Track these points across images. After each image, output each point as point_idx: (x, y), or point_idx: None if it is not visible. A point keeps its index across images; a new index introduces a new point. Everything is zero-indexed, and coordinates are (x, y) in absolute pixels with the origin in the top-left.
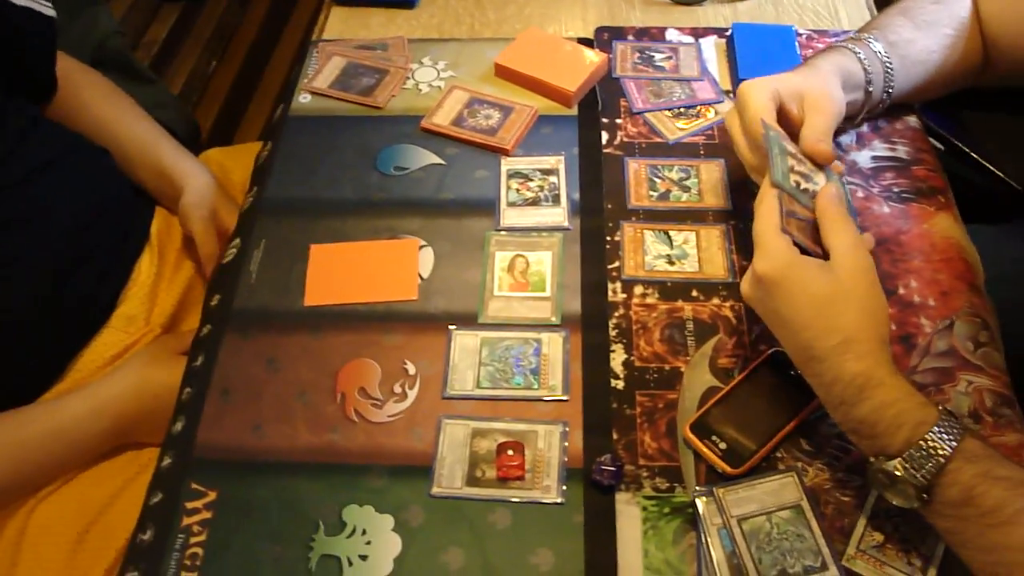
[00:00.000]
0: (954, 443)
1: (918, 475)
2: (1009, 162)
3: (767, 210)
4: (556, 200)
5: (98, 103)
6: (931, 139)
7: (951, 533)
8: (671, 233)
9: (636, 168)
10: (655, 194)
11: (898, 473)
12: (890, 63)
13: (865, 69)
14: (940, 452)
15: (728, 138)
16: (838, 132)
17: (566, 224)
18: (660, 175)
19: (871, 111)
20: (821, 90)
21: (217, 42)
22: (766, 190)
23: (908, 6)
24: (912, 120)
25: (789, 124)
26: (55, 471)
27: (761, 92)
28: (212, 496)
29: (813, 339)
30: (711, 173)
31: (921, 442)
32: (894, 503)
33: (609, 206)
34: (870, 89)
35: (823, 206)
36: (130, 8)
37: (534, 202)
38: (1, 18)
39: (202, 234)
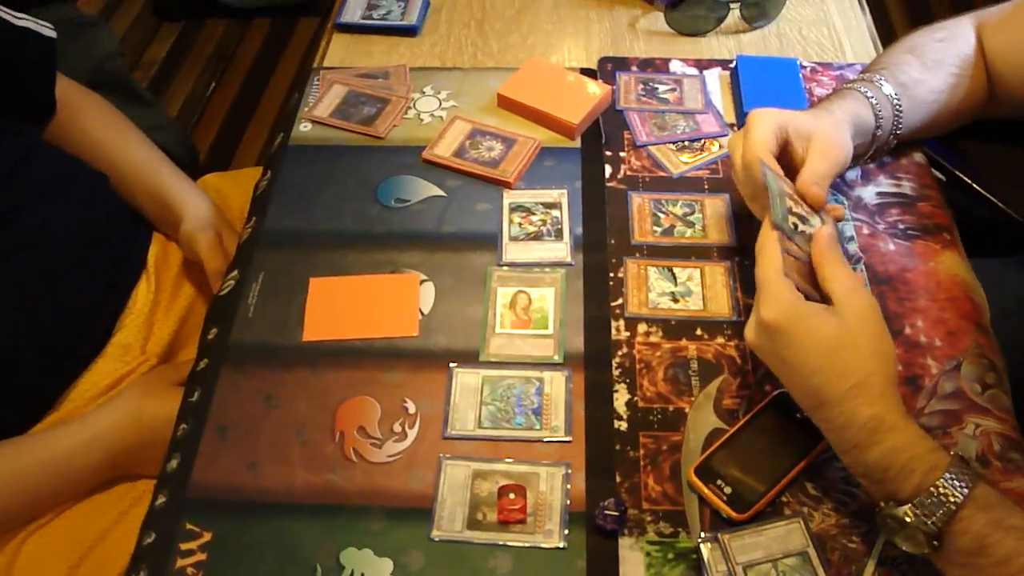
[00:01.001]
0: (965, 490)
1: (928, 522)
2: (1012, 193)
3: (770, 255)
4: (559, 235)
5: (97, 126)
6: (932, 169)
7: None
8: (675, 270)
9: (640, 203)
10: (659, 229)
11: (908, 520)
12: (900, 106)
13: (876, 114)
14: (951, 499)
15: (732, 170)
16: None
17: (569, 259)
18: (664, 210)
19: (878, 152)
20: (829, 135)
21: (216, 63)
22: (767, 233)
23: (915, 44)
24: (917, 155)
25: (792, 162)
26: (47, 504)
27: (767, 123)
28: (207, 537)
29: (823, 384)
30: (715, 208)
31: (932, 488)
32: (904, 548)
33: (612, 241)
34: (878, 132)
35: (819, 249)
36: (130, 27)
37: (536, 236)
38: (0, 39)
39: (209, 251)
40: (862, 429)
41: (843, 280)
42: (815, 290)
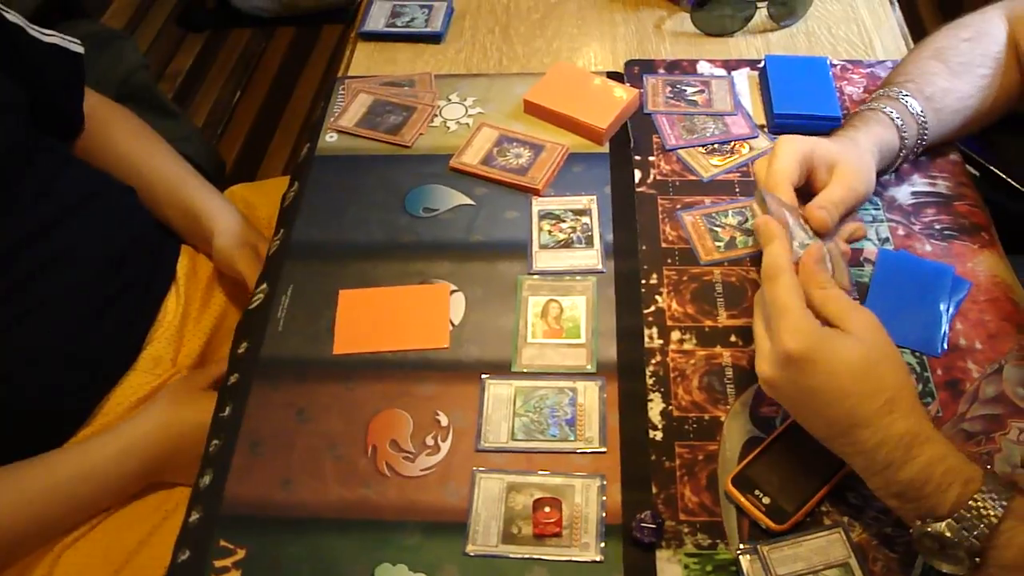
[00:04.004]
0: (1004, 502)
1: (971, 536)
2: None
3: (787, 281)
4: (589, 242)
5: (125, 139)
6: (967, 165)
7: None
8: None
9: (693, 221)
10: (721, 244)
11: (949, 535)
12: (925, 122)
13: (901, 136)
14: (992, 512)
15: (754, 190)
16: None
17: (600, 267)
18: (718, 223)
19: (903, 162)
20: (852, 165)
21: (241, 73)
22: (778, 257)
23: (941, 47)
24: (952, 154)
25: (814, 189)
26: (84, 513)
27: (792, 152)
28: (241, 554)
29: (856, 405)
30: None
31: (971, 501)
32: (943, 570)
33: (643, 247)
34: (903, 152)
35: (807, 272)
36: (155, 39)
37: (567, 244)
38: (29, 56)
39: (250, 268)
40: (898, 445)
41: (838, 300)
42: None
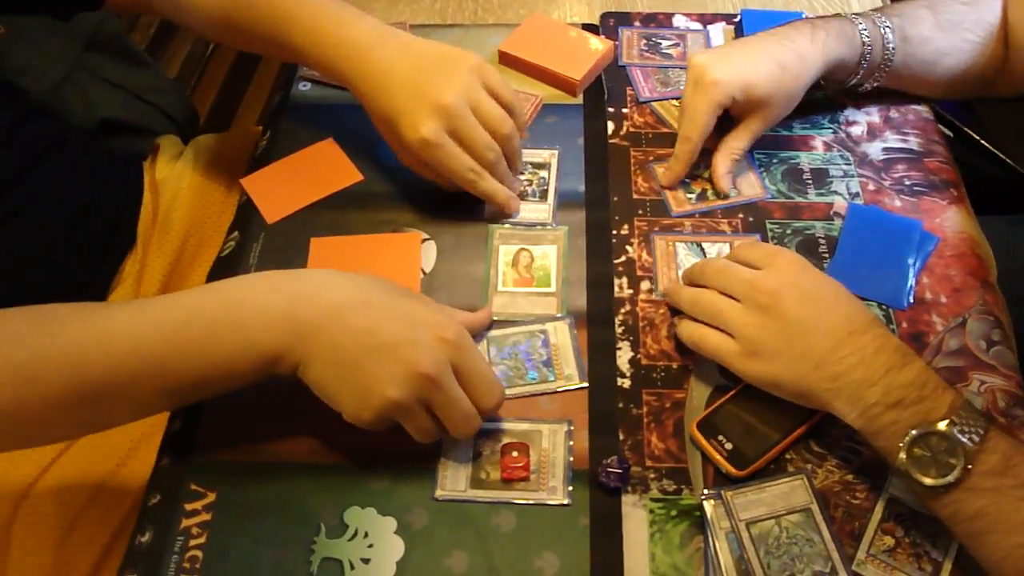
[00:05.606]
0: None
1: (969, 432)
2: (1020, 151)
3: (719, 265)
4: (544, 196)
5: None
6: (940, 126)
7: (979, 517)
8: (704, 244)
9: (665, 172)
10: (692, 196)
11: (947, 430)
12: (891, 59)
13: (862, 58)
14: (981, 421)
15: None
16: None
17: (550, 222)
18: (691, 174)
19: (859, 84)
20: (776, 107)
21: None
22: (675, 285)
23: (936, 1)
24: (924, 111)
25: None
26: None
27: (709, 109)
28: (211, 498)
29: (853, 312)
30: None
31: (962, 410)
32: (926, 483)
33: (615, 198)
34: (854, 76)
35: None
36: None
37: (520, 196)
38: None
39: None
40: (896, 350)
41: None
42: None
